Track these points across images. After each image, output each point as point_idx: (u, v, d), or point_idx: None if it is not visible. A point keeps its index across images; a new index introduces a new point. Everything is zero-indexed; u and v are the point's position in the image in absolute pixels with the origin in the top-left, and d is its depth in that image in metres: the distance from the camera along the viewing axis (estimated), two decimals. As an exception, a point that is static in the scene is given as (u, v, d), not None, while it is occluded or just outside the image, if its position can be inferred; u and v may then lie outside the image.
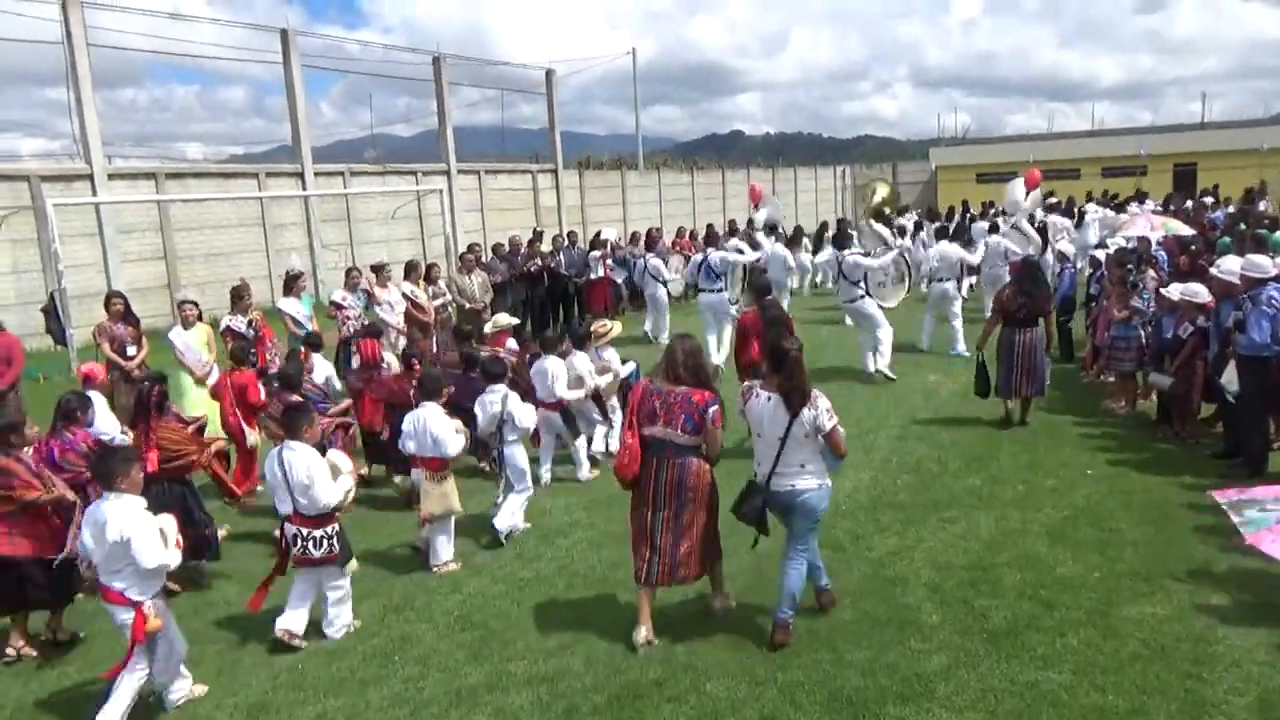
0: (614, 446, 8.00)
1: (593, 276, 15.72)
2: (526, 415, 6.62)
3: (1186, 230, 13.64)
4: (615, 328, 8.44)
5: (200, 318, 9.07)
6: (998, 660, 4.57)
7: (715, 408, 4.75)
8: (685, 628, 5.05)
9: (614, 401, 8.28)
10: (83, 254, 15.84)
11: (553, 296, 15.38)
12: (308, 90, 20.56)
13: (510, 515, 6.53)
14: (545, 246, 15.62)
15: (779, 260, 15.00)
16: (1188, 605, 5.04)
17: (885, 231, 17.39)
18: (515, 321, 9.64)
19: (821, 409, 4.61)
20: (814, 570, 5.04)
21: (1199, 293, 7.75)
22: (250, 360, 7.75)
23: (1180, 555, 5.69)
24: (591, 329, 8.31)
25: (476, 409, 6.67)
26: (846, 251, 11.23)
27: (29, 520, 5.12)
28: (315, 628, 5.26)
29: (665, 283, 14.44)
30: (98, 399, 6.64)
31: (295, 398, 6.65)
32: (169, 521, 4.50)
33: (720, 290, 11.95)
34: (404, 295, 11.12)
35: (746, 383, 4.95)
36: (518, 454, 6.60)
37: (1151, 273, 9.67)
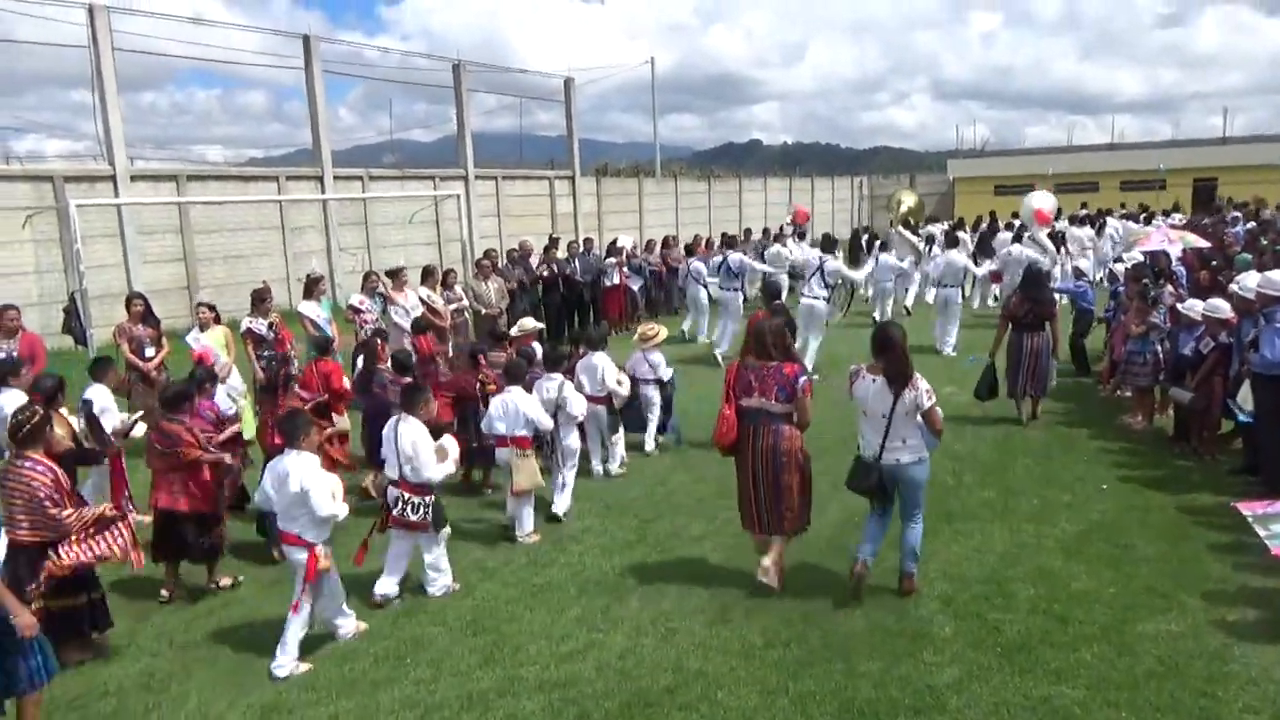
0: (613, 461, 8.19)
1: (608, 284, 15.78)
2: (579, 404, 7.13)
3: (1203, 243, 13.57)
4: (663, 332, 8.65)
5: (217, 320, 9.15)
6: (1011, 674, 4.55)
7: (805, 378, 5.30)
8: (698, 635, 5.06)
9: (653, 398, 8.53)
10: (104, 255, 15.97)
11: (568, 303, 15.41)
12: (328, 95, 20.73)
13: (567, 499, 7.07)
14: (560, 253, 15.67)
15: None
16: (1203, 622, 5.01)
17: (914, 238, 17.54)
18: (540, 326, 9.78)
19: (921, 390, 5.09)
20: (910, 553, 5.40)
21: (1221, 308, 7.70)
22: (333, 351, 8.05)
23: (1196, 572, 5.65)
24: (639, 332, 8.64)
25: (533, 393, 7.04)
26: (829, 257, 12.19)
27: (189, 480, 5.76)
28: (326, 632, 5.30)
29: (706, 285, 14.72)
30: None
31: (409, 379, 7.04)
32: (335, 480, 5.06)
33: (737, 290, 13.29)
34: (420, 300, 11.19)
35: (854, 366, 5.38)
36: (571, 437, 7.15)
37: (1170, 288, 9.61)
